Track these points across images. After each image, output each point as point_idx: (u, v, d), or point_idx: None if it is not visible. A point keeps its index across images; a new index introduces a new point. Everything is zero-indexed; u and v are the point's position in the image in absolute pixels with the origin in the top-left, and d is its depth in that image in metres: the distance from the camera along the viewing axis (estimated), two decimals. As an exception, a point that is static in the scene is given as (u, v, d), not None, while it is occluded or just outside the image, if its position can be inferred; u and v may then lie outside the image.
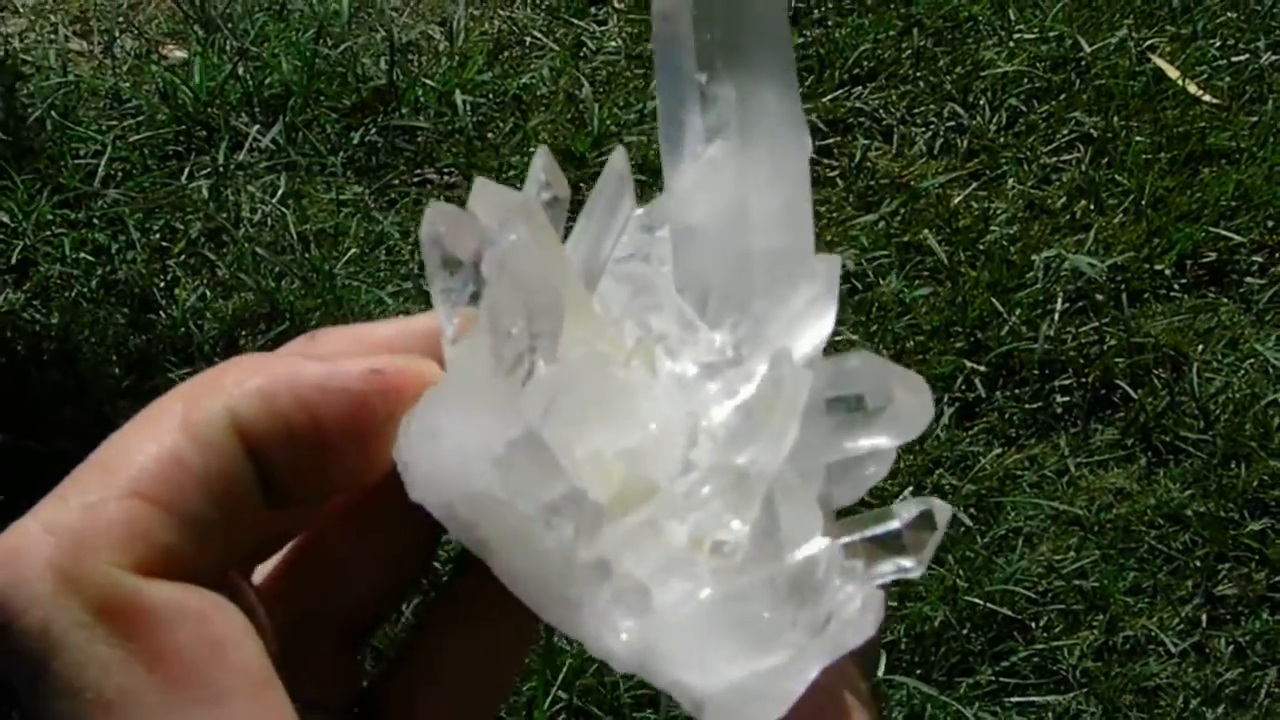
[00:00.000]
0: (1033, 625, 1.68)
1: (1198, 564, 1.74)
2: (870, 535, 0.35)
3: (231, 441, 0.32)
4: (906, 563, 0.35)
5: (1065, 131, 2.24)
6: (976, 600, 1.66)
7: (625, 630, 0.32)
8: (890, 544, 0.35)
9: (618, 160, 0.36)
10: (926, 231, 2.04)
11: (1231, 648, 1.69)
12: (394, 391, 0.34)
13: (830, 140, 2.21)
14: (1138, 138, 2.22)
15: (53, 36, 2.28)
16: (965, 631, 1.66)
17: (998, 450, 1.83)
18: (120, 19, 2.33)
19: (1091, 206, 2.14)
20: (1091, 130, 2.24)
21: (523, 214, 0.32)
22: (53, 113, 2.07)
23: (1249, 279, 2.07)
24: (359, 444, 0.34)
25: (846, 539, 0.35)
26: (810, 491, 0.34)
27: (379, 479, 0.34)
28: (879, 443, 0.35)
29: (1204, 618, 1.71)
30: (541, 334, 0.32)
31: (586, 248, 0.36)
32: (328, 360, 0.34)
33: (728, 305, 0.38)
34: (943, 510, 0.35)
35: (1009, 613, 1.67)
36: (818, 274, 0.38)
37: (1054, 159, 2.21)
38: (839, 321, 1.91)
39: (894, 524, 0.35)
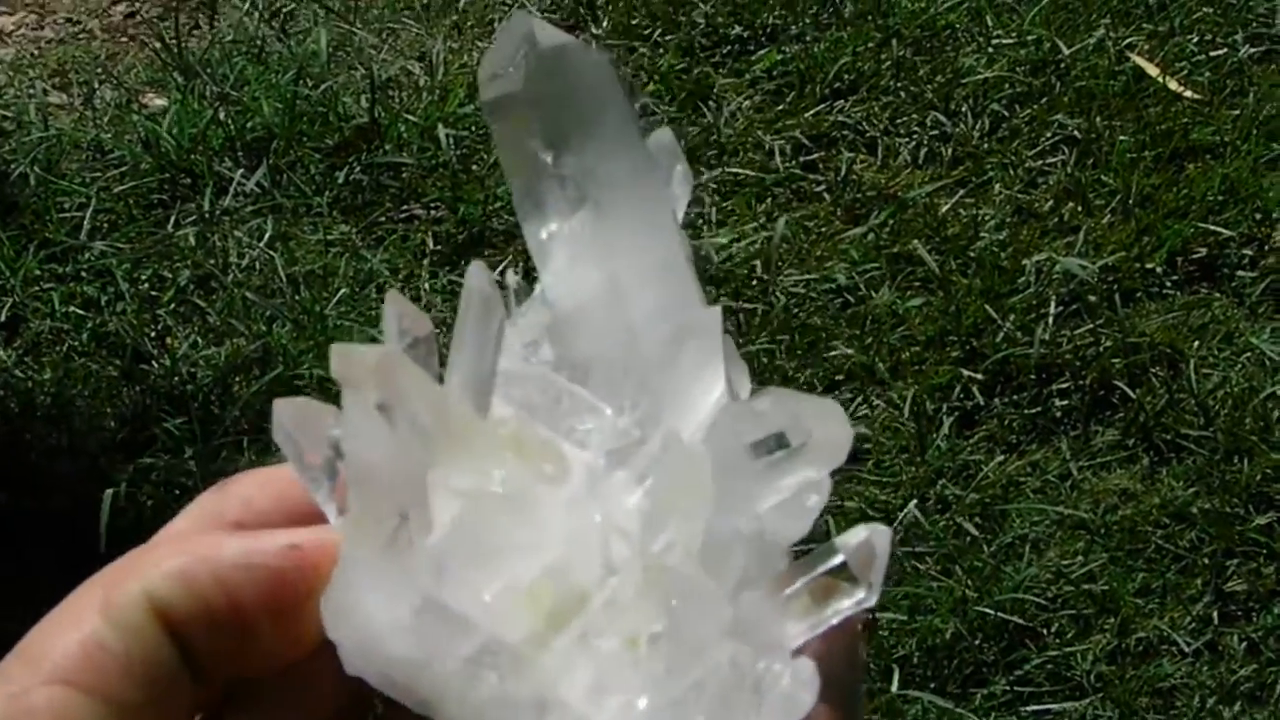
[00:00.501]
0: (1044, 632, 1.68)
1: (1206, 561, 1.74)
2: (819, 573, 0.35)
3: (151, 625, 0.32)
4: (859, 593, 0.35)
5: (1049, 134, 2.24)
6: (987, 610, 1.66)
7: None
8: (840, 576, 0.35)
9: (476, 277, 0.36)
10: (916, 242, 2.04)
11: (1245, 644, 1.68)
12: (311, 568, 0.34)
13: (815, 155, 2.21)
14: (1121, 137, 2.23)
15: (32, 91, 2.27)
16: (977, 642, 1.65)
17: (999, 458, 1.82)
18: (99, 70, 2.33)
19: (1079, 208, 2.14)
20: (1075, 132, 2.24)
21: (379, 378, 0.32)
22: (35, 168, 2.07)
23: (1240, 272, 2.07)
24: (280, 623, 0.33)
25: (790, 589, 0.35)
26: (722, 578, 0.34)
27: (306, 653, 0.34)
28: (808, 475, 0.35)
29: (1215, 615, 1.70)
30: (409, 508, 0.32)
31: (466, 372, 0.36)
32: (247, 535, 0.34)
33: (623, 383, 0.37)
34: (881, 535, 0.35)
35: (1020, 621, 1.66)
36: (701, 328, 0.37)
37: (1039, 162, 2.21)
38: (833, 337, 1.92)
39: (837, 558, 0.35)
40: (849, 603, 0.34)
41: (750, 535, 0.34)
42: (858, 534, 0.35)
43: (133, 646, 0.32)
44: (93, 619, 0.32)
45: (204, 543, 0.34)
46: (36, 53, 2.39)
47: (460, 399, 0.35)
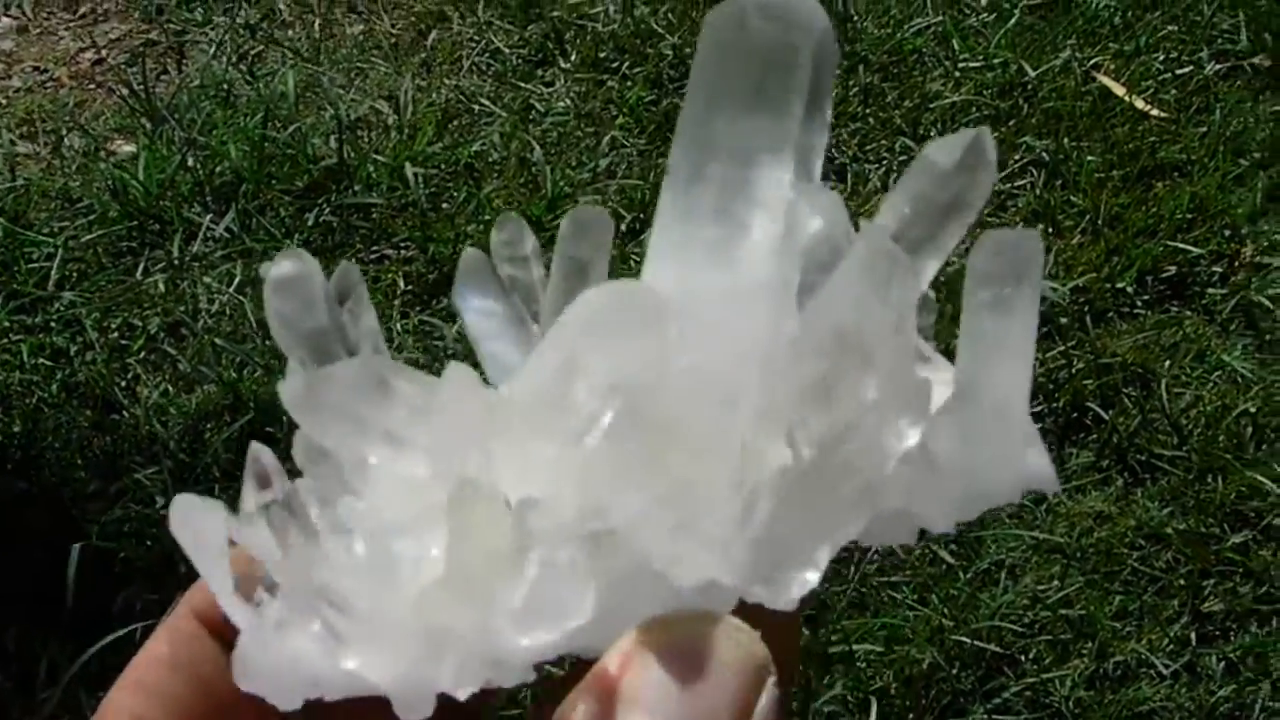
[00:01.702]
0: (1022, 659, 1.67)
1: (1182, 582, 1.74)
2: (914, 187, 0.38)
3: None
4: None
5: (1017, 157, 2.25)
6: (964, 639, 1.65)
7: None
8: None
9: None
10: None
11: (1223, 664, 1.68)
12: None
13: (784, 184, 2.21)
14: (1089, 157, 2.23)
15: (-1, 141, 2.27)
16: (955, 671, 1.64)
17: (974, 483, 1.82)
18: (66, 118, 2.33)
19: (1049, 230, 2.14)
20: (1043, 154, 2.25)
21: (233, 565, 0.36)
22: (2, 219, 2.06)
23: (1210, 290, 2.07)
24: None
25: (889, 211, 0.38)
26: None
27: None
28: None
29: (1193, 636, 1.70)
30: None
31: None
32: None
33: None
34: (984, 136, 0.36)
35: (997, 648, 1.66)
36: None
37: (1008, 185, 2.21)
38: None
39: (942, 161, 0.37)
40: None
41: None
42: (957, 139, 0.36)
43: None
44: None
45: None
46: (4, 102, 2.39)
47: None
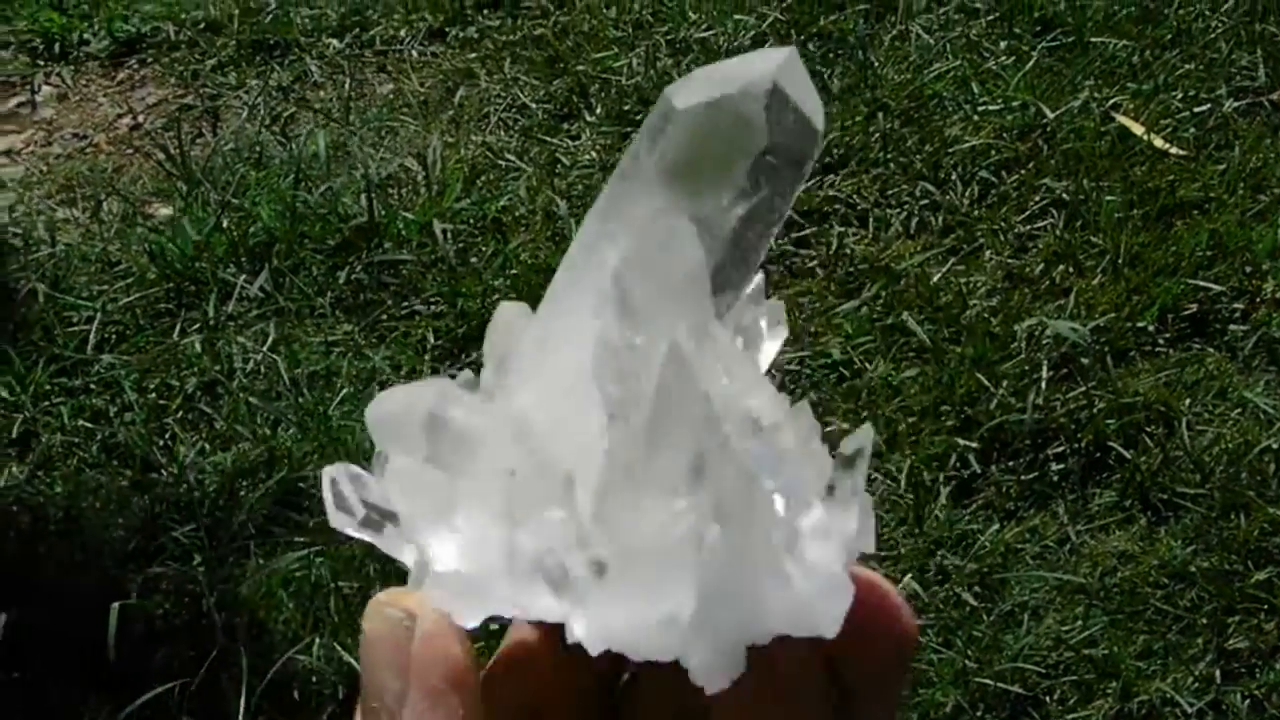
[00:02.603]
0: (1046, 700, 1.68)
1: (1206, 620, 1.74)
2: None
3: None
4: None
5: (1037, 198, 2.27)
6: (987, 681, 1.67)
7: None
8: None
9: None
10: (906, 314, 2.06)
11: (1248, 702, 1.68)
12: None
13: (807, 230, 2.24)
14: (1109, 197, 2.25)
15: (40, 208, 2.34)
16: (979, 714, 1.66)
17: (997, 525, 1.84)
18: (105, 183, 2.39)
19: (1070, 270, 2.16)
20: (1063, 195, 2.27)
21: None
22: (43, 283, 2.13)
23: (1232, 327, 2.08)
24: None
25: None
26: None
27: None
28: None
29: (1218, 674, 1.70)
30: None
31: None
32: None
33: None
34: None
35: (1021, 690, 1.67)
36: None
37: (1028, 227, 2.24)
38: (829, 412, 1.94)
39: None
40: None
41: None
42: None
43: None
44: None
45: None
46: (45, 169, 2.46)
47: None
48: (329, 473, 0.38)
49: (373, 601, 0.37)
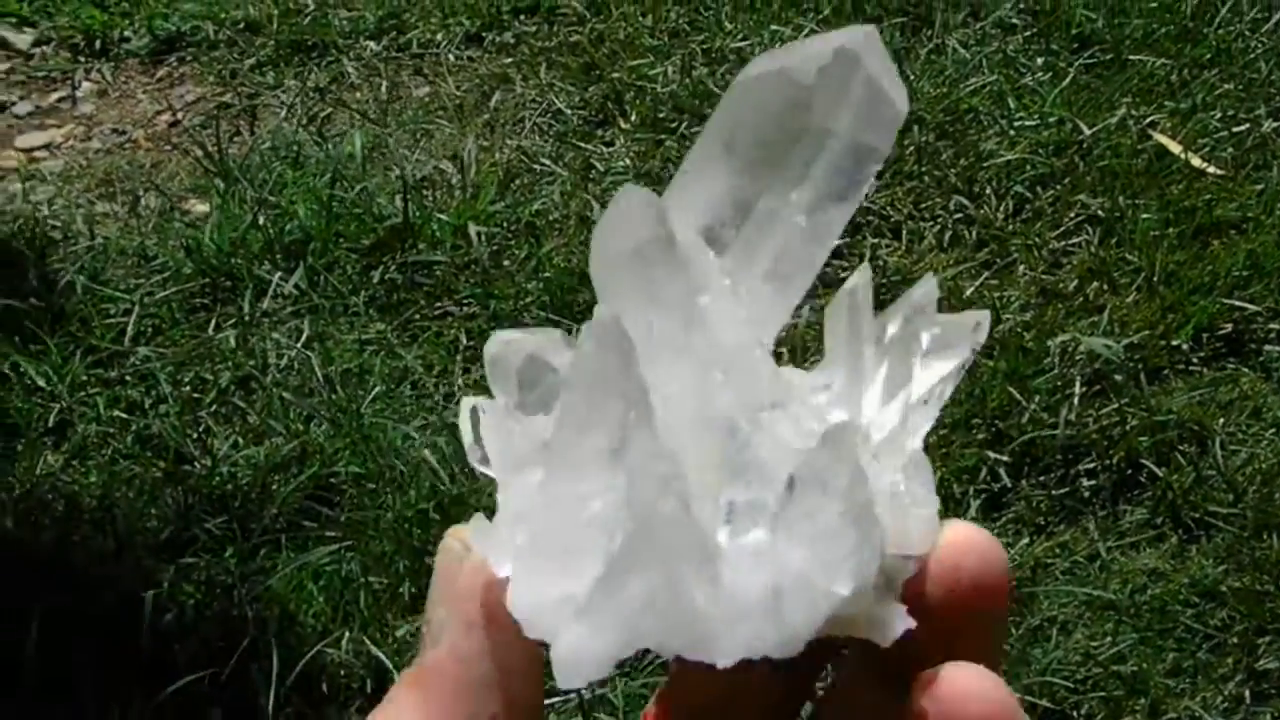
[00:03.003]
0: (1074, 715, 1.68)
1: (1237, 640, 1.74)
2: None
3: None
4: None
5: (1072, 214, 2.27)
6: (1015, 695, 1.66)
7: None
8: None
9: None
10: (940, 326, 2.06)
11: (1279, 723, 1.68)
12: None
13: (840, 242, 2.23)
14: (1145, 215, 2.25)
15: (79, 201, 2.35)
16: (1007, 726, 1.65)
17: (1026, 539, 1.83)
18: (143, 178, 2.41)
19: (1104, 287, 2.16)
20: (1098, 211, 2.27)
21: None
22: (82, 276, 2.14)
23: (1268, 347, 2.08)
24: None
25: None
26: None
27: None
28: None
29: (1247, 694, 1.69)
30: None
31: None
32: None
33: None
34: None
35: (1049, 705, 1.66)
36: None
37: (1063, 243, 2.24)
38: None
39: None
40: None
41: None
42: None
43: None
44: None
45: None
46: (85, 163, 2.47)
47: None
48: (467, 404, 0.39)
49: (447, 532, 0.38)
